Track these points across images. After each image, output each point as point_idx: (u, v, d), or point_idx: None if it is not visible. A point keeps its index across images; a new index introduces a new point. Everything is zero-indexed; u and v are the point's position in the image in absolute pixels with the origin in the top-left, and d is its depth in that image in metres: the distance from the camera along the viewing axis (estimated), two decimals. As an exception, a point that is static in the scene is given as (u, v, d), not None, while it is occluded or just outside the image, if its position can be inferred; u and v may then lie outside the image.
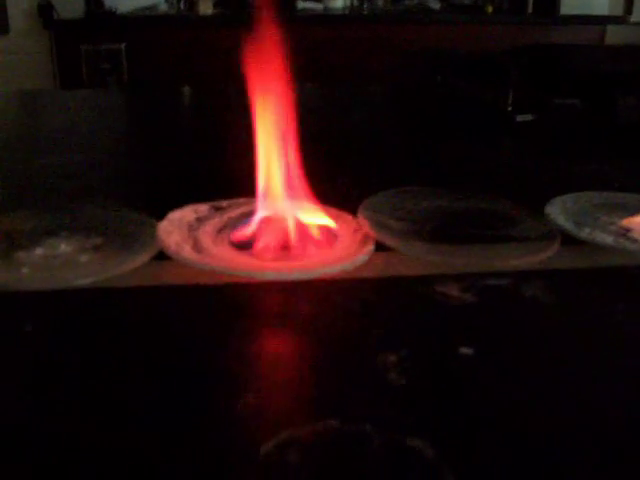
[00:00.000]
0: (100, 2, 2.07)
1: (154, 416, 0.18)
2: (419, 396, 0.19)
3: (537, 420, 0.18)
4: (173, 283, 0.26)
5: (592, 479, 0.16)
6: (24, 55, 2.11)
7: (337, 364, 0.21)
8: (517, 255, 0.29)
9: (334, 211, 0.32)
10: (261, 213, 0.29)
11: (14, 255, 0.27)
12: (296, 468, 0.16)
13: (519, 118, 0.64)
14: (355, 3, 2.39)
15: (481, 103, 0.71)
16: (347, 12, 2.33)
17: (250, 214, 0.30)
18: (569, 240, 0.30)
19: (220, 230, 0.30)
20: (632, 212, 0.32)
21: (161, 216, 0.30)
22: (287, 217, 0.29)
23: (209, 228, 0.30)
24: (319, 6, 2.30)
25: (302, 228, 0.29)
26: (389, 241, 0.29)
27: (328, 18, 2.28)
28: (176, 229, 0.29)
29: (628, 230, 0.31)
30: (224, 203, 0.33)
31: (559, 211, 0.33)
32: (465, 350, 0.21)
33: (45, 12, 2.06)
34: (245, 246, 0.28)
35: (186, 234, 0.29)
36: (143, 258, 0.27)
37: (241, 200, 0.33)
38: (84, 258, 0.27)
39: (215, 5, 2.14)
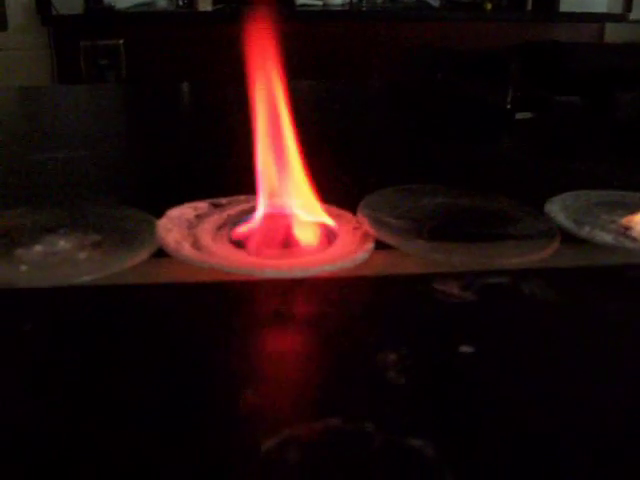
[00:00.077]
0: (99, -2, 2.07)
1: (153, 414, 0.18)
2: (419, 395, 0.19)
3: (538, 419, 0.18)
4: (172, 281, 0.26)
5: (593, 479, 0.16)
6: (22, 51, 2.11)
7: (337, 362, 0.21)
8: (517, 253, 0.29)
9: (334, 209, 0.32)
10: (261, 211, 0.29)
11: (13, 252, 0.27)
12: (296, 466, 0.16)
13: (518, 116, 0.64)
14: (354, 0, 2.39)
15: (480, 101, 0.71)
16: (346, 9, 2.33)
17: (250, 211, 0.30)
18: (569, 238, 0.30)
19: (220, 227, 0.30)
20: (632, 210, 0.32)
21: (160, 213, 0.30)
22: (287, 214, 0.29)
23: (209, 225, 0.30)
24: (318, 2, 2.30)
25: (301, 226, 0.29)
26: (389, 239, 0.29)
27: (327, 14, 2.28)
28: (175, 226, 0.29)
29: (628, 228, 0.31)
30: (224, 200, 0.33)
31: (559, 209, 0.33)
32: (465, 348, 0.21)
33: (43, 8, 2.05)
34: (245, 244, 0.28)
35: (185, 232, 0.29)
36: (142, 256, 0.27)
37: (241, 197, 0.33)
38: (83, 255, 0.27)
39: (214, 1, 2.13)
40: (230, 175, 0.39)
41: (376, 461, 0.16)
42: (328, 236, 0.29)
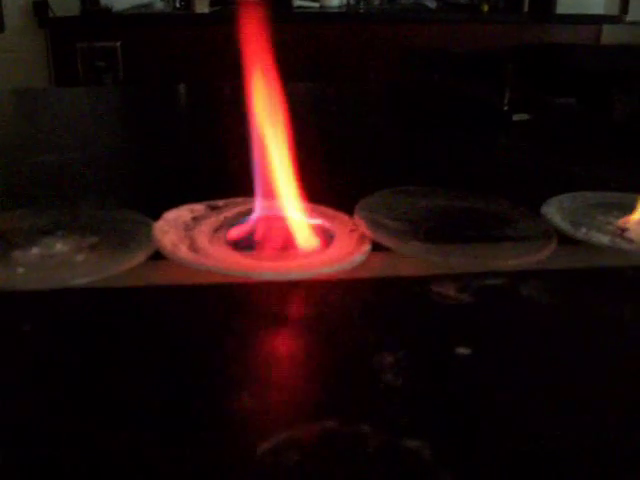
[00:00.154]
0: (96, 0, 2.07)
1: (149, 417, 0.18)
2: (416, 396, 0.19)
3: (535, 420, 0.18)
4: (169, 283, 0.26)
5: (593, 479, 0.16)
6: (19, 53, 2.11)
7: (334, 364, 0.21)
8: (514, 255, 0.29)
9: (330, 211, 0.32)
10: (257, 213, 0.29)
11: (10, 254, 0.27)
12: (293, 469, 0.16)
13: (515, 117, 0.65)
14: (351, 1, 2.39)
15: (477, 102, 0.71)
16: (343, 10, 2.33)
17: (247, 213, 0.30)
18: (565, 240, 0.30)
19: (216, 230, 0.30)
20: (629, 212, 0.32)
21: (157, 215, 0.30)
22: (284, 217, 0.29)
23: (205, 228, 0.30)
24: (315, 4, 2.30)
25: (298, 228, 0.29)
26: (386, 241, 0.29)
27: (324, 16, 2.28)
28: (172, 229, 0.29)
29: (625, 230, 0.31)
30: (220, 202, 0.33)
31: (555, 211, 0.33)
32: (462, 350, 0.21)
33: (40, 10, 2.05)
34: (241, 246, 0.28)
35: (182, 234, 0.29)
36: (139, 258, 0.27)
37: (238, 199, 0.33)
38: (80, 258, 0.27)
39: (211, 3, 2.14)
40: (227, 177, 0.39)
41: (373, 463, 0.16)
42: (325, 238, 0.29)
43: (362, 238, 0.29)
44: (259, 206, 0.29)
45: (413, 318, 0.25)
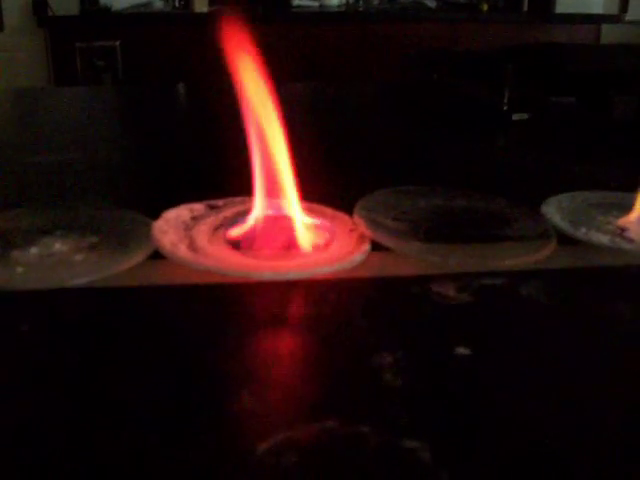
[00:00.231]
0: (95, -1, 2.07)
1: (148, 417, 0.18)
2: (415, 397, 0.19)
3: (535, 421, 0.18)
4: (168, 283, 0.26)
5: (593, 479, 0.16)
6: (18, 52, 2.11)
7: (333, 364, 0.21)
8: (513, 255, 0.29)
9: (330, 210, 0.32)
10: (256, 212, 0.29)
11: (9, 254, 0.27)
12: (292, 469, 0.16)
13: (515, 117, 0.65)
14: (351, 1, 2.39)
15: (477, 102, 0.71)
16: (343, 10, 2.33)
17: (246, 213, 0.30)
18: (565, 240, 0.30)
19: (216, 229, 0.30)
20: (628, 211, 0.32)
21: (156, 215, 0.30)
22: (283, 216, 0.29)
23: (205, 227, 0.30)
24: (315, 3, 2.30)
25: (298, 228, 0.29)
26: (385, 241, 0.29)
27: (323, 16, 2.28)
28: (171, 228, 0.29)
29: (624, 229, 0.31)
30: (220, 202, 0.33)
31: (555, 210, 0.33)
32: (462, 350, 0.21)
33: (40, 9, 2.05)
34: (241, 245, 0.28)
35: (182, 233, 0.29)
36: (138, 258, 0.27)
37: (237, 199, 0.33)
38: (79, 257, 0.27)
39: (210, 2, 2.14)
40: (226, 176, 0.39)
41: (372, 463, 0.16)
42: (324, 238, 0.29)
43: (361, 238, 0.29)
44: (258, 206, 0.29)
45: (412, 318, 0.25)
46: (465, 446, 0.17)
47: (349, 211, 0.32)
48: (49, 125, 0.63)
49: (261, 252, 0.28)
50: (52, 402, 0.18)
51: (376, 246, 0.29)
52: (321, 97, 0.84)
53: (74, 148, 0.51)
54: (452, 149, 0.53)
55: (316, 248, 0.29)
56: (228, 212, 0.32)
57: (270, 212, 0.29)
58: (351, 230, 0.30)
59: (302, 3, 2.27)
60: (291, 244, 0.29)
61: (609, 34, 2.39)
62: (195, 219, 0.31)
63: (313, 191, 0.30)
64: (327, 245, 0.29)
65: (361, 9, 2.36)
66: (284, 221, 0.29)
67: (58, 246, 0.28)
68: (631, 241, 0.30)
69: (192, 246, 0.28)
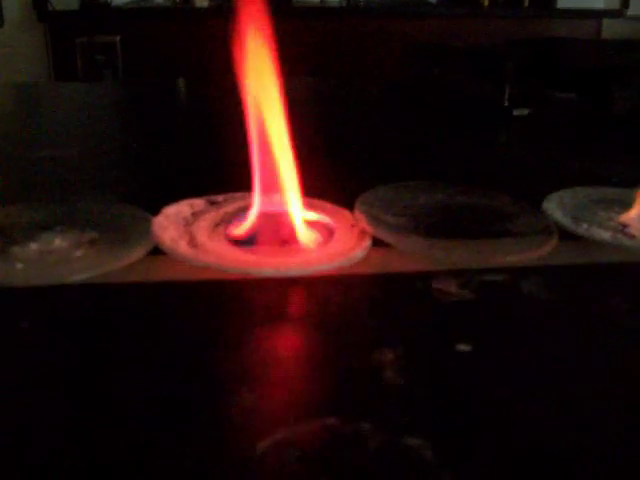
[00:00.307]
0: (95, -6, 2.06)
1: (148, 414, 0.18)
2: (417, 394, 0.19)
3: (536, 418, 0.18)
4: (168, 279, 0.26)
5: (594, 478, 0.16)
6: (18, 48, 2.10)
7: (334, 361, 0.21)
8: (515, 251, 0.29)
9: (330, 206, 0.32)
10: (257, 208, 0.29)
11: (8, 250, 0.27)
12: (293, 467, 0.16)
13: (516, 112, 0.64)
14: (351, -4, 2.38)
15: (478, 97, 0.71)
16: (343, 5, 2.32)
17: (247, 209, 0.30)
18: (566, 236, 0.30)
19: (216, 225, 0.30)
20: (630, 207, 0.32)
21: (156, 211, 0.30)
22: (284, 212, 0.29)
23: (205, 223, 0.30)
24: (315, -1, 2.29)
25: (298, 223, 0.29)
26: (386, 237, 0.29)
27: (324, 11, 2.27)
28: (172, 224, 0.29)
29: (626, 226, 0.31)
30: (220, 197, 0.33)
31: (556, 206, 0.33)
32: (463, 347, 0.21)
33: (39, 4, 2.05)
34: (241, 242, 0.28)
35: (182, 229, 0.29)
36: (138, 254, 0.27)
37: (237, 195, 0.33)
38: (79, 253, 0.27)
39: (211, -3, 2.13)
40: (227, 172, 0.39)
41: (373, 461, 0.16)
42: (325, 233, 0.29)
43: (362, 234, 0.29)
44: (259, 201, 0.29)
45: (414, 314, 0.24)
46: (467, 444, 0.17)
47: (350, 207, 0.31)
48: (49, 121, 0.63)
49: (262, 248, 0.28)
50: (51, 399, 0.18)
51: (377, 242, 0.28)
52: (321, 93, 0.84)
53: (74, 143, 0.51)
54: (453, 145, 0.53)
55: (317, 244, 0.28)
56: (229, 208, 0.32)
57: (271, 208, 0.29)
58: (352, 226, 0.30)
59: (303, -2, 2.27)
60: (292, 240, 0.28)
61: (610, 29, 2.38)
62: (195, 215, 0.31)
63: (314, 186, 0.30)
64: (328, 241, 0.29)
65: (361, 4, 2.36)
66: (285, 217, 0.29)
67: (58, 242, 0.27)
68: (633, 237, 0.30)
69: (192, 242, 0.28)
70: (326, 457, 0.16)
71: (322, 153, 0.46)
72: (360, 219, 0.30)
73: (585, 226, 0.31)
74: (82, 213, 0.31)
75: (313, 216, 0.30)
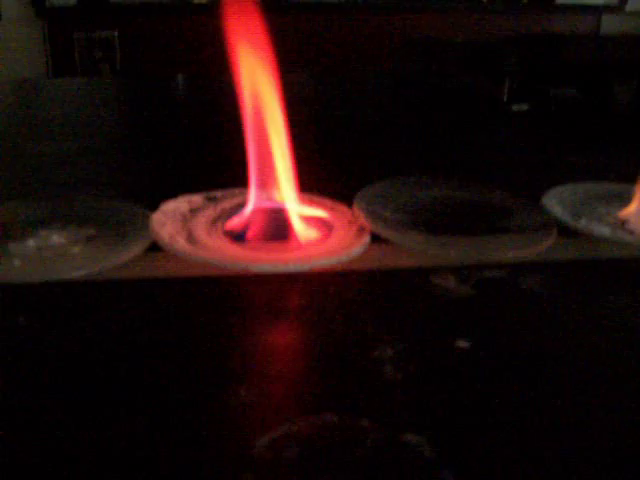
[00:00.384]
0: (93, -11, 2.06)
1: (146, 410, 0.18)
2: (416, 390, 0.19)
3: (537, 415, 0.18)
4: (166, 275, 0.26)
5: (594, 476, 0.16)
6: (16, 43, 2.10)
7: (333, 357, 0.21)
8: (514, 247, 0.29)
9: (329, 202, 0.32)
10: (255, 204, 0.29)
11: (6, 247, 0.27)
12: (292, 463, 0.16)
13: (515, 108, 0.64)
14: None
15: (477, 93, 0.71)
16: (342, 0, 2.32)
17: (245, 205, 0.30)
18: (566, 231, 0.30)
19: (214, 221, 0.30)
20: (629, 203, 0.32)
21: (154, 207, 0.30)
22: (282, 208, 0.29)
23: (203, 219, 0.30)
24: (313, -6, 2.29)
25: (296, 219, 0.29)
26: (385, 232, 0.29)
27: (322, 6, 2.27)
28: (170, 220, 0.29)
29: (625, 221, 0.31)
30: (218, 193, 0.33)
31: (556, 202, 0.33)
32: (462, 343, 0.21)
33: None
34: (240, 237, 0.28)
35: (180, 225, 0.29)
36: (136, 250, 0.27)
37: (235, 191, 0.33)
38: (76, 250, 0.27)
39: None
40: (225, 168, 0.39)
41: (372, 457, 0.16)
42: (324, 229, 0.29)
43: (361, 229, 0.29)
44: (257, 197, 0.29)
45: (412, 310, 0.24)
46: (466, 440, 0.17)
47: (349, 202, 0.31)
48: (47, 116, 0.63)
49: (260, 244, 0.28)
50: (50, 396, 0.18)
51: (376, 238, 0.28)
52: (319, 88, 0.84)
53: (71, 139, 0.51)
54: (452, 140, 0.53)
55: (315, 240, 0.28)
56: (227, 204, 0.32)
57: (269, 204, 0.29)
58: (350, 222, 0.30)
59: (301, -7, 2.26)
60: (290, 236, 0.28)
61: (609, 25, 2.38)
62: (193, 211, 0.31)
63: (312, 182, 0.30)
64: (326, 237, 0.29)
65: (359, 0, 2.35)
66: (283, 213, 0.29)
67: (55, 238, 0.27)
68: (632, 233, 0.30)
69: (190, 238, 0.28)
70: (325, 454, 0.16)
71: (321, 149, 0.46)
72: (359, 215, 0.30)
73: (584, 222, 0.30)
74: (80, 209, 0.31)
75: (311, 212, 0.30)
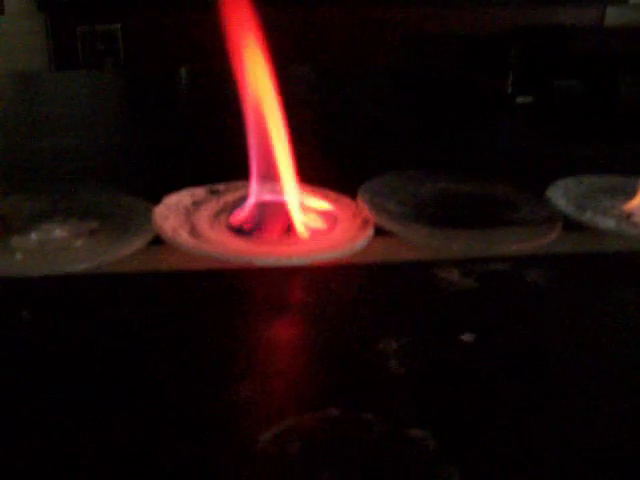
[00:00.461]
0: (95, -18, 2.05)
1: (148, 405, 0.18)
2: (420, 384, 0.19)
3: (541, 409, 0.18)
4: (169, 269, 0.26)
5: (598, 468, 0.16)
6: (19, 36, 2.10)
7: (336, 351, 0.21)
8: (518, 240, 0.28)
9: (333, 194, 0.32)
10: (257, 197, 0.29)
11: (8, 240, 0.26)
12: (295, 458, 0.15)
13: (519, 100, 0.64)
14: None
15: (481, 85, 0.71)
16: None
17: (248, 198, 0.30)
18: (571, 224, 0.30)
19: (217, 214, 0.30)
20: (635, 196, 0.32)
21: (157, 200, 0.30)
22: (285, 201, 0.29)
23: (206, 212, 0.30)
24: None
25: (300, 212, 0.29)
26: (389, 225, 0.28)
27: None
28: (172, 214, 0.29)
29: (630, 214, 0.31)
30: (221, 186, 0.33)
31: (560, 195, 0.33)
32: (466, 336, 0.21)
33: (40, -8, 2.04)
34: (243, 231, 0.28)
35: (183, 219, 0.29)
36: (139, 243, 0.26)
37: (239, 183, 0.33)
38: (79, 243, 0.27)
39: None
40: (228, 161, 0.39)
41: (376, 452, 0.16)
42: (328, 222, 0.29)
43: (365, 222, 0.29)
44: (260, 190, 0.29)
45: (417, 304, 0.24)
46: (471, 435, 0.17)
47: (353, 195, 0.31)
48: (49, 110, 0.62)
49: (263, 237, 0.28)
50: (52, 389, 0.18)
51: (380, 231, 0.28)
52: (323, 81, 0.84)
53: (74, 133, 0.51)
54: (456, 133, 0.53)
55: (319, 233, 0.28)
56: (229, 197, 0.32)
57: (272, 197, 0.29)
58: (354, 214, 0.30)
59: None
60: (293, 229, 0.28)
61: (613, 16, 2.37)
62: (196, 204, 0.31)
63: (316, 175, 0.30)
64: (330, 230, 0.29)
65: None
66: (286, 206, 0.29)
67: (58, 232, 0.27)
68: (637, 226, 0.30)
69: (193, 232, 0.28)
70: (329, 449, 0.16)
71: (325, 142, 0.46)
72: (363, 208, 0.30)
73: (589, 214, 0.30)
74: (82, 203, 0.31)
75: (315, 204, 0.30)
